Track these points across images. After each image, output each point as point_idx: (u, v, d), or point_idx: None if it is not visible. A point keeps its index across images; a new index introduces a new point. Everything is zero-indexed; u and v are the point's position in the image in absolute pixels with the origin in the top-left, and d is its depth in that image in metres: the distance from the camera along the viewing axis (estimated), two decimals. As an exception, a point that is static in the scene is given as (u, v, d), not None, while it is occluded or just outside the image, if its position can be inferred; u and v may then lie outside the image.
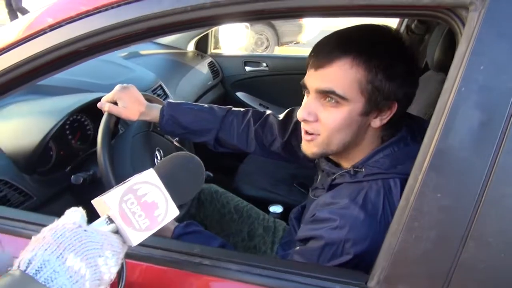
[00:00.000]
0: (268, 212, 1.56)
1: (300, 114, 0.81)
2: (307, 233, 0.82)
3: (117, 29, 0.67)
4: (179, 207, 0.59)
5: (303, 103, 0.82)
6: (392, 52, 0.75)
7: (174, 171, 0.63)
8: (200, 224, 1.36)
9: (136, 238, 0.54)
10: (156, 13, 0.64)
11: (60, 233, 0.48)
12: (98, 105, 1.08)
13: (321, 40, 0.80)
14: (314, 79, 0.79)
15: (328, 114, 0.78)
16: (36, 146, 1.12)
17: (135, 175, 0.57)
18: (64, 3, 0.72)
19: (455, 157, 0.54)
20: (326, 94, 0.77)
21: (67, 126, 1.29)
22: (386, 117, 0.78)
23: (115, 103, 1.07)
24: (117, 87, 1.09)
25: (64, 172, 1.24)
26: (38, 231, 0.76)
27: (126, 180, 0.56)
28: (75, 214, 0.52)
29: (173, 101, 1.15)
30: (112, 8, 0.67)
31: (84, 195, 1.22)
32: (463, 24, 0.55)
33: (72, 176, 1.12)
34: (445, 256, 0.55)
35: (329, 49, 0.76)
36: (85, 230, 0.50)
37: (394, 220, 0.59)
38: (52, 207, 1.16)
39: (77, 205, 1.24)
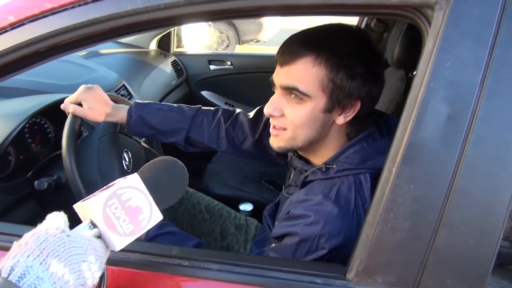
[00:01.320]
0: (238, 210, 1.56)
1: (266, 109, 0.83)
2: (282, 230, 0.82)
3: (86, 27, 0.65)
4: (162, 211, 0.59)
5: (270, 99, 0.84)
6: (354, 52, 0.77)
7: (158, 176, 0.62)
8: (172, 221, 1.34)
9: (120, 243, 0.54)
10: (128, 11, 0.63)
11: (43, 239, 0.47)
12: (62, 106, 1.04)
13: (288, 38, 0.82)
14: (279, 76, 0.81)
15: (292, 110, 0.80)
16: (-6, 152, 1.06)
17: (119, 179, 0.56)
18: (26, 0, 0.68)
19: (427, 150, 0.56)
20: (290, 90, 0.79)
21: (26, 130, 1.23)
22: (350, 114, 0.80)
23: (80, 105, 1.03)
24: (81, 87, 1.05)
25: (25, 177, 1.18)
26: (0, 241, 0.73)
27: (110, 184, 0.55)
28: (57, 219, 0.51)
29: (141, 101, 1.13)
30: (79, 5, 0.65)
31: (48, 200, 1.17)
32: (429, 23, 0.57)
33: (36, 182, 1.07)
34: (420, 244, 0.58)
35: (294, 47, 0.78)
36: (68, 235, 0.49)
37: (371, 212, 0.61)
38: (14, 215, 1.11)
39: (41, 211, 1.18)
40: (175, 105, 1.16)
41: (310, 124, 0.80)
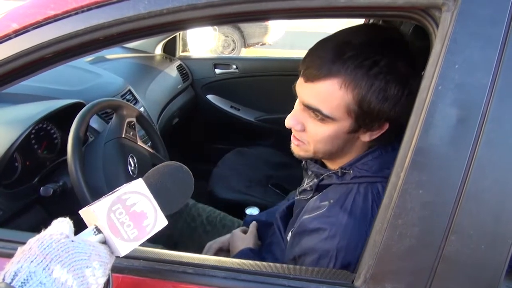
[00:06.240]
0: (244, 214, 1.55)
1: (288, 122, 0.79)
2: (299, 250, 0.80)
3: (88, 33, 0.65)
4: (168, 217, 0.58)
5: (293, 110, 0.80)
6: (390, 70, 0.68)
7: (163, 181, 0.62)
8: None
9: (124, 248, 0.54)
10: (130, 17, 0.62)
11: (46, 244, 0.47)
12: None
13: (316, 47, 0.75)
14: (303, 91, 0.75)
15: (315, 127, 0.76)
16: (0, 158, 1.06)
17: (124, 185, 0.56)
18: (29, 7, 0.68)
19: (435, 154, 0.55)
20: (312, 110, 0.74)
21: (32, 135, 1.23)
22: (376, 133, 0.76)
23: None
24: None
25: (31, 183, 1.18)
26: (5, 248, 0.73)
27: (115, 190, 0.55)
28: (62, 225, 0.51)
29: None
30: (83, 12, 0.64)
31: (54, 206, 1.17)
32: (437, 25, 0.56)
33: (41, 188, 1.07)
34: (429, 251, 0.56)
35: (320, 62, 0.71)
36: (72, 241, 0.49)
37: (378, 218, 0.59)
38: (21, 221, 1.11)
39: (47, 217, 1.19)
40: None
41: (332, 141, 0.77)
